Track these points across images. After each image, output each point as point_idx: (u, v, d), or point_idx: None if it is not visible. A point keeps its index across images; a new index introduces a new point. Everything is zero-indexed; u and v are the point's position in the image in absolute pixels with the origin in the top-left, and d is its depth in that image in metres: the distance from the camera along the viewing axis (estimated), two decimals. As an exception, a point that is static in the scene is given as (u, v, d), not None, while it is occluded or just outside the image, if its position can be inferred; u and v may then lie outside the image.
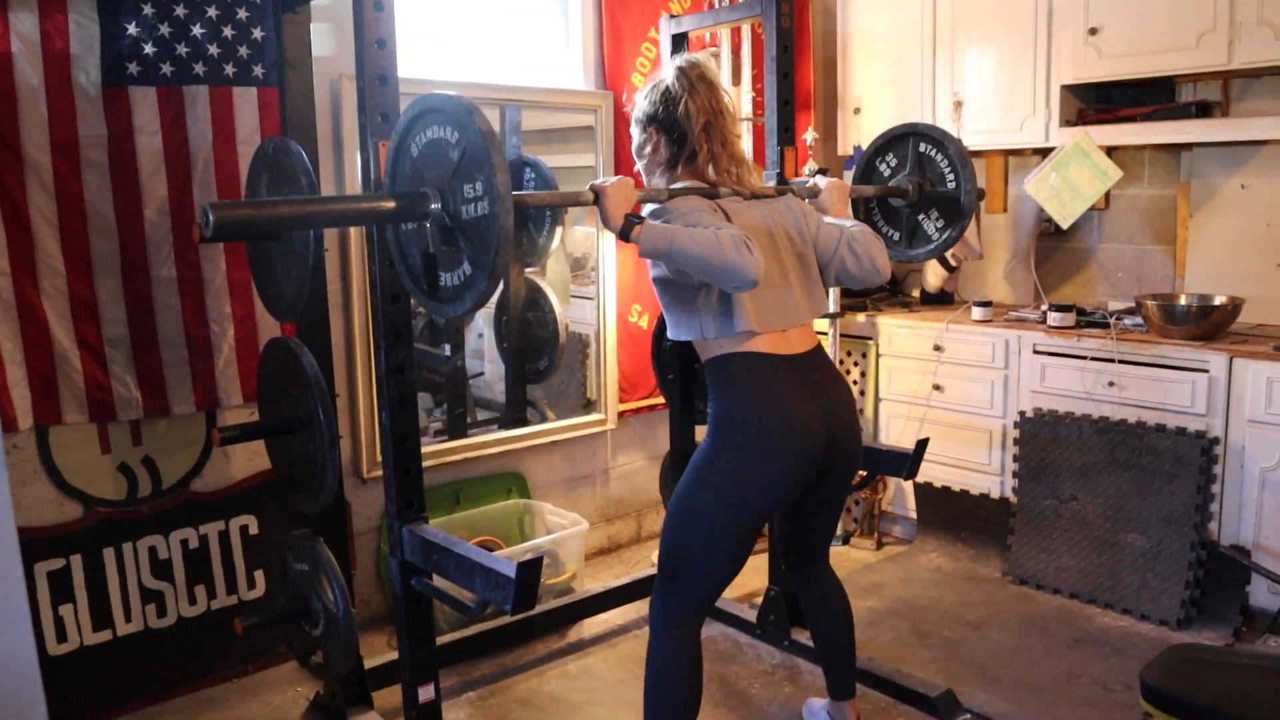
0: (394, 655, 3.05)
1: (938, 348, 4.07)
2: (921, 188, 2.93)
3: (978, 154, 4.25)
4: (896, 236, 3.05)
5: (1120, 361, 3.59)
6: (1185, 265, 3.95)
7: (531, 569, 2.04)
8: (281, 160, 2.50)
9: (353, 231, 3.34)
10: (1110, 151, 3.77)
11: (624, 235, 2.10)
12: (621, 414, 4.23)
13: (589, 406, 4.23)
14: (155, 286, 2.95)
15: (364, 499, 3.52)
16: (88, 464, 2.96)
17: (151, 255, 2.94)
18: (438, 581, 2.41)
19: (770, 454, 2.26)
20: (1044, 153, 3.97)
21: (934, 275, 4.44)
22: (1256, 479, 3.30)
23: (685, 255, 2.08)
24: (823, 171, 3.15)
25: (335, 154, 3.32)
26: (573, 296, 4.23)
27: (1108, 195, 3.99)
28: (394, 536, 2.44)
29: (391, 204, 1.95)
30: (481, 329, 4.36)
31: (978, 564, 3.99)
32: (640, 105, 2.43)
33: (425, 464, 2.55)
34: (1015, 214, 4.43)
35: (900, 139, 2.99)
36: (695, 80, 2.34)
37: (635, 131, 2.47)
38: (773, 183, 3.13)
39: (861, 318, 4.33)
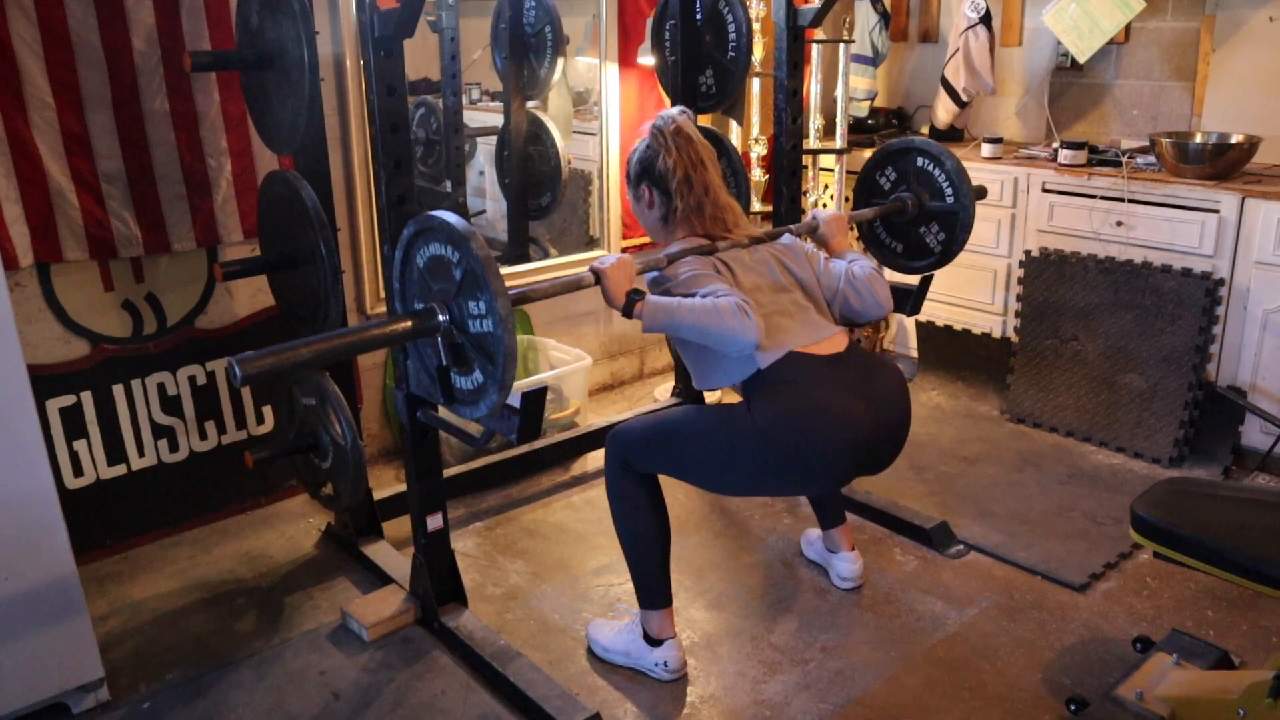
0: (402, 487, 3.13)
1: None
2: (921, 202, 2.92)
3: (996, -18, 4.09)
4: (900, 249, 3.03)
5: (1130, 201, 3.54)
6: (1203, 103, 3.85)
7: (536, 398, 2.07)
8: (272, -15, 2.41)
9: (349, 61, 3.24)
10: (1134, -20, 3.62)
11: (626, 313, 2.18)
12: (624, 250, 4.20)
13: (591, 243, 4.20)
14: (148, 120, 2.88)
15: (368, 336, 3.53)
16: (91, 302, 2.96)
17: (143, 87, 2.85)
18: (443, 413, 2.44)
19: (804, 466, 2.22)
20: (1065, -19, 3.81)
21: (944, 110, 4.33)
22: (1259, 320, 3.31)
23: (686, 328, 2.15)
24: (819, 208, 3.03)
25: (327, -21, 3.19)
26: (575, 132, 4.14)
27: (1128, 28, 3.86)
28: (400, 369, 2.46)
29: (409, 324, 1.98)
30: (483, 165, 4.29)
31: (976, 402, 4.05)
32: (631, 166, 2.50)
33: (429, 301, 2.55)
34: (1030, 47, 4.28)
35: (899, 153, 2.95)
36: (670, 136, 2.41)
37: (630, 193, 2.53)
38: (781, 13, 3.06)
39: (868, 154, 4.24)
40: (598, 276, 2.19)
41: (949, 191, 2.87)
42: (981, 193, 2.94)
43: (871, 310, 2.51)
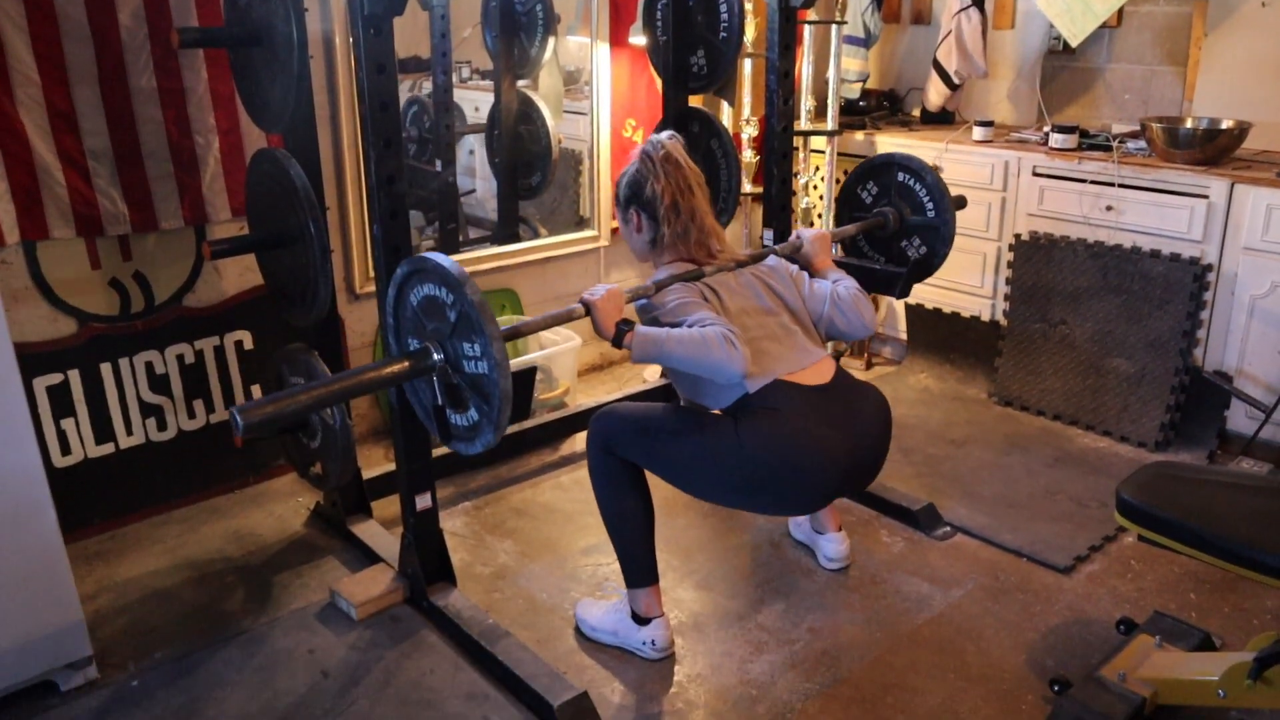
0: (391, 466, 3.13)
1: (936, 167, 3.99)
2: (902, 217, 2.97)
3: (989, -36, 4.08)
4: (881, 261, 3.06)
5: (1120, 185, 3.55)
6: (1195, 88, 3.85)
7: (525, 379, 2.10)
8: (260, -38, 2.39)
9: (338, 39, 3.22)
10: (1127, -37, 3.61)
11: (616, 344, 2.21)
12: (614, 230, 4.19)
13: (582, 223, 4.20)
14: (135, 97, 2.86)
15: (357, 315, 3.53)
16: (79, 279, 2.94)
17: (129, 63, 2.83)
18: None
19: (784, 491, 2.28)
20: (1058, -36, 3.80)
21: (935, 93, 4.33)
22: (1246, 306, 3.32)
23: (674, 359, 2.19)
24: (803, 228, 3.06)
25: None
26: (565, 111, 4.12)
27: (1120, 11, 3.85)
28: (389, 349, 2.45)
29: (405, 364, 2.00)
30: (473, 145, 4.27)
31: (965, 385, 4.06)
32: (620, 189, 2.52)
33: (418, 281, 2.54)
34: (1022, 30, 4.28)
35: (881, 167, 3.00)
36: (660, 162, 2.44)
37: (619, 216, 2.56)
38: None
39: (860, 136, 4.24)
40: (588, 308, 2.23)
41: (929, 206, 2.93)
42: (961, 203, 3.01)
43: (857, 331, 2.56)
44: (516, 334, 2.16)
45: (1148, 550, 2.85)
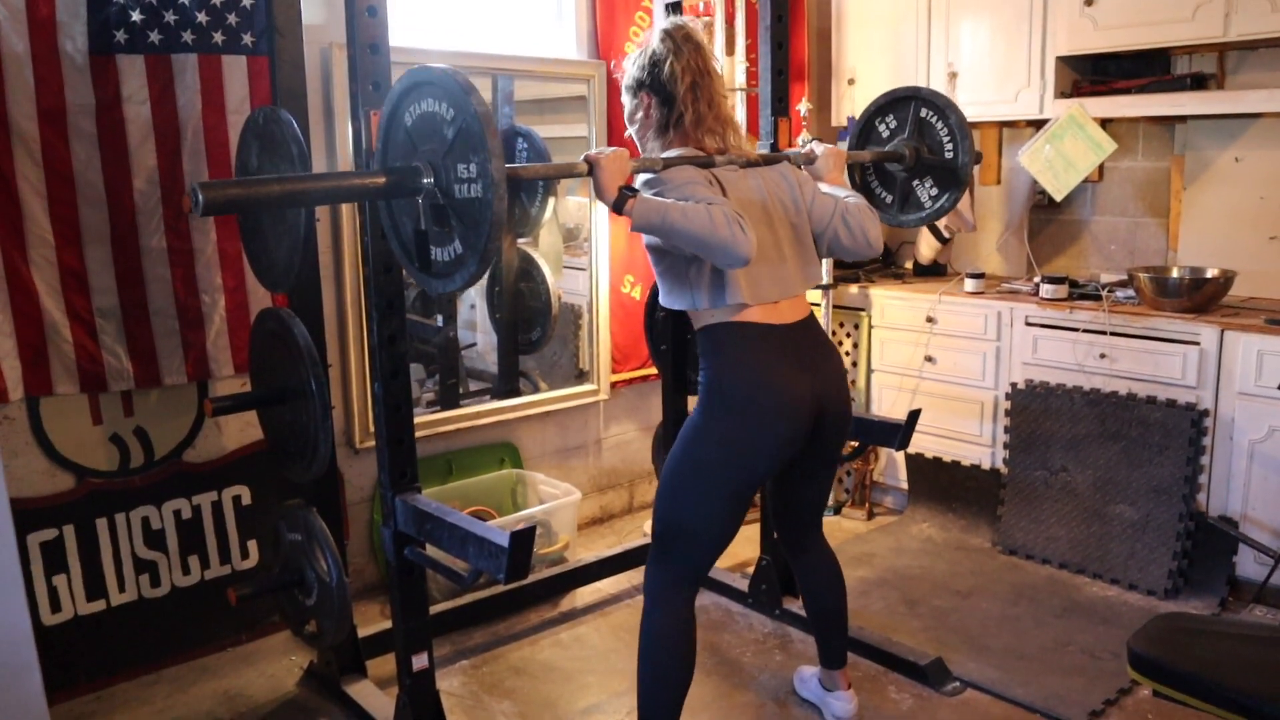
0: (388, 624, 3.06)
1: (930, 319, 4.07)
2: (919, 154, 2.90)
3: (972, 125, 4.23)
4: (889, 200, 3.03)
5: (1112, 334, 3.60)
6: (1178, 238, 3.96)
7: (525, 538, 2.05)
8: (272, 129, 2.49)
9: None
10: (1105, 124, 3.76)
11: (617, 208, 2.10)
12: (614, 384, 4.23)
13: (581, 377, 4.23)
14: (145, 257, 2.94)
15: (357, 469, 3.53)
16: (79, 435, 2.95)
17: (141, 225, 2.92)
18: (431, 551, 2.41)
19: (758, 423, 2.28)
20: (1038, 124, 3.96)
21: (927, 247, 4.44)
22: (1245, 450, 3.32)
23: (677, 231, 2.08)
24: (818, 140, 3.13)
25: (326, 123, 3.30)
26: (565, 267, 4.22)
27: (1101, 168, 3.99)
28: (387, 506, 2.44)
29: (382, 180, 1.90)
30: (474, 300, 4.35)
31: (968, 534, 4.02)
32: (629, 71, 2.42)
33: (418, 434, 2.56)
34: (1009, 186, 4.42)
35: (902, 101, 2.95)
36: (680, 41, 2.34)
37: (626, 98, 2.46)
38: (765, 152, 3.13)
39: (854, 289, 4.33)
40: (591, 166, 2.10)
41: (949, 145, 2.83)
42: (978, 157, 2.90)
43: (861, 248, 2.48)
44: (518, 175, 2.01)
45: (1165, 705, 2.77)
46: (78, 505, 2.95)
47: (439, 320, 4.08)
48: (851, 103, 4.45)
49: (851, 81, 4.47)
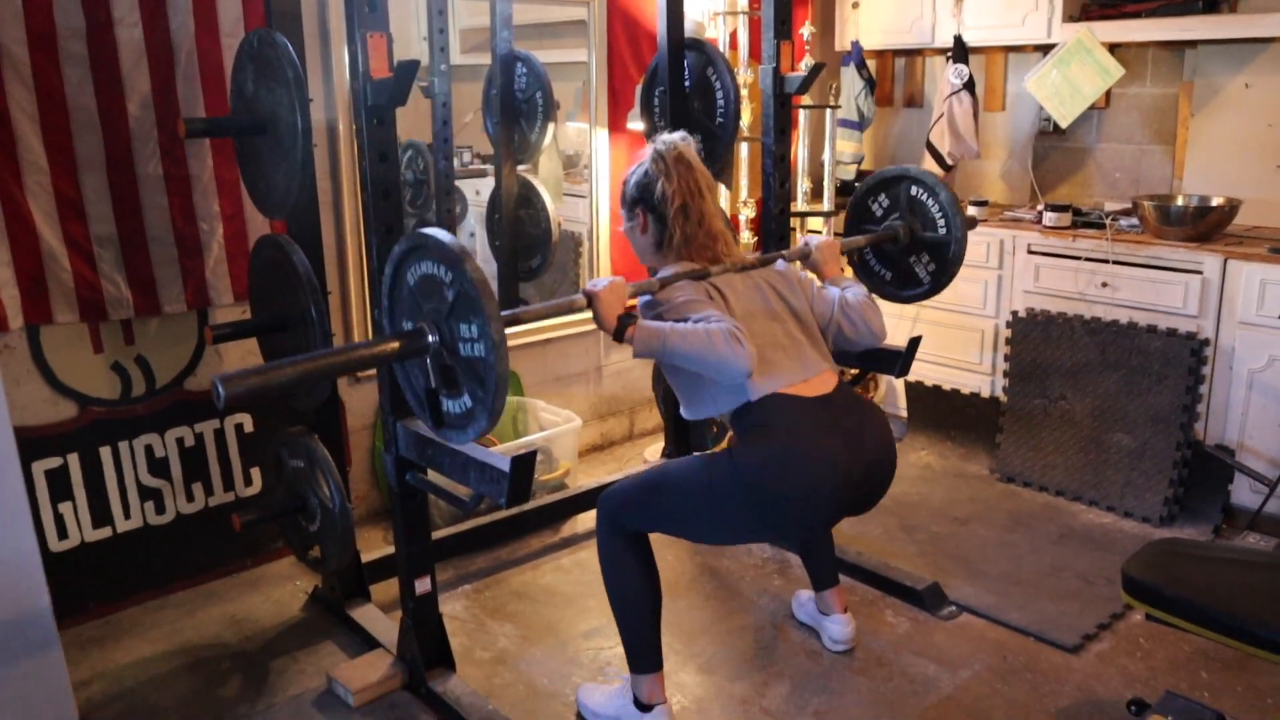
0: (391, 549, 3.11)
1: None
2: (913, 231, 2.93)
3: (978, 50, 4.17)
4: (889, 277, 3.05)
5: (1114, 262, 3.58)
6: (1184, 166, 3.92)
7: (525, 463, 2.06)
8: (267, 53, 2.45)
9: (342, 127, 3.28)
10: (1113, 49, 3.70)
11: (618, 338, 2.16)
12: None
13: (582, 306, 4.22)
14: (142, 184, 2.91)
15: (358, 398, 3.54)
16: (80, 363, 2.96)
17: (137, 151, 2.89)
18: (432, 476, 2.43)
19: (788, 510, 2.22)
20: (1045, 49, 3.90)
21: (930, 174, 4.40)
22: (1244, 380, 3.33)
23: (677, 354, 2.13)
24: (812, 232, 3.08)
25: (323, 46, 3.24)
26: (565, 194, 4.18)
27: (1108, 94, 3.94)
28: (389, 432, 2.46)
29: (396, 345, 1.91)
30: (473, 227, 4.32)
31: (966, 462, 4.05)
32: (627, 189, 2.46)
33: (419, 363, 2.55)
34: (1013, 112, 4.36)
35: (893, 181, 2.97)
36: (672, 163, 2.38)
37: (624, 215, 2.50)
38: (768, 80, 3.09)
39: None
40: (590, 299, 2.16)
41: (941, 222, 2.86)
42: (972, 223, 2.94)
43: (865, 339, 2.51)
44: (517, 320, 2.09)
45: (1157, 628, 2.81)
46: (81, 433, 2.96)
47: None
48: (855, 26, 4.38)
49: (855, 5, 4.39)
